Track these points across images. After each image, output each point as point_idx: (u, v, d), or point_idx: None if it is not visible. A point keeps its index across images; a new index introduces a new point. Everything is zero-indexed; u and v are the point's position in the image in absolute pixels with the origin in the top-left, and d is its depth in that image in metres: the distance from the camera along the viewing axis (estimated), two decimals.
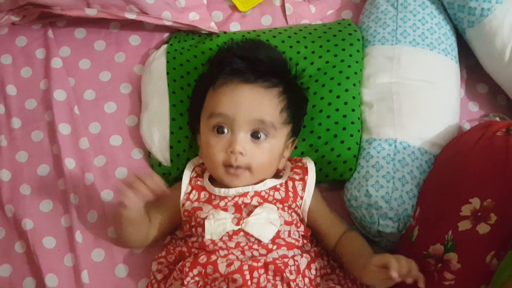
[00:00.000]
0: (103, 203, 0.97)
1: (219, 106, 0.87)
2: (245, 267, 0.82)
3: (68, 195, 0.97)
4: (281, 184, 0.89)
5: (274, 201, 0.88)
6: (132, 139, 1.03)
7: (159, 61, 1.04)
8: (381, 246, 0.96)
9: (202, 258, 0.84)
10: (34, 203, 0.97)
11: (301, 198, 0.89)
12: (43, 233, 0.95)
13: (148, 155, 1.01)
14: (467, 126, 1.04)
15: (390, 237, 0.94)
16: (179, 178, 0.96)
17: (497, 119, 1.00)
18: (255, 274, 0.82)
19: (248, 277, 0.81)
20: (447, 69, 1.02)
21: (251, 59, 0.89)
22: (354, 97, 1.00)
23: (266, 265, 0.83)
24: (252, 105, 0.87)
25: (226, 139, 0.87)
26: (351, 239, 0.90)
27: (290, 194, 0.89)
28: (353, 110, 0.99)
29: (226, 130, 0.87)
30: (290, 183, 0.90)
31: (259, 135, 0.87)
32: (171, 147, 0.98)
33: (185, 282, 0.83)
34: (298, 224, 0.89)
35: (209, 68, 0.95)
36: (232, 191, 0.88)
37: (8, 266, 0.94)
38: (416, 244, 0.87)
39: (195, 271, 0.83)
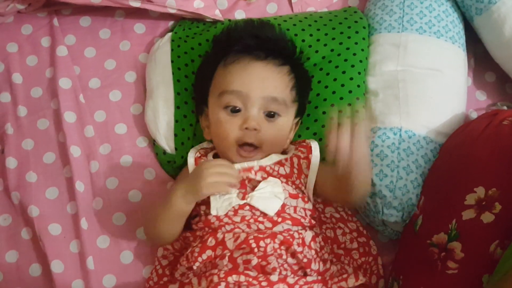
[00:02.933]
0: (108, 190, 0.98)
1: (232, 83, 0.87)
2: (251, 237, 0.82)
3: (73, 183, 0.97)
4: (286, 159, 0.89)
5: (279, 176, 0.88)
6: (137, 127, 1.03)
7: (164, 49, 1.03)
8: (385, 235, 0.96)
9: (211, 241, 0.84)
10: (40, 190, 0.98)
11: (306, 176, 0.89)
12: (49, 220, 0.96)
13: (153, 143, 1.02)
14: (474, 115, 1.03)
15: (394, 227, 0.93)
16: (183, 166, 0.96)
17: (505, 108, 0.99)
18: (262, 243, 0.82)
19: (254, 245, 0.82)
20: (454, 57, 1.01)
21: (260, 36, 0.89)
22: (359, 86, 0.99)
23: (273, 236, 0.83)
24: (266, 82, 0.87)
25: (239, 117, 0.87)
26: None
27: (295, 170, 0.89)
28: (357, 98, 0.98)
29: (240, 109, 0.87)
30: (295, 160, 0.90)
31: (272, 113, 0.88)
32: (175, 135, 0.98)
33: (194, 267, 0.83)
34: (305, 199, 0.89)
35: (215, 46, 0.94)
36: (237, 166, 0.88)
37: (14, 252, 0.95)
38: (420, 233, 0.86)
39: (204, 256, 0.83)
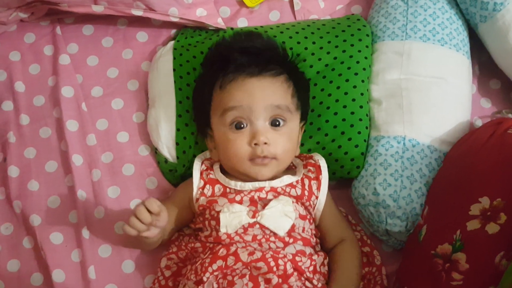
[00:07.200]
0: (110, 199, 0.97)
1: (231, 100, 0.86)
2: (268, 255, 0.81)
3: (75, 191, 0.97)
4: (297, 181, 0.89)
5: (289, 197, 0.87)
6: (139, 135, 1.03)
7: (166, 58, 1.03)
8: (389, 245, 0.95)
9: (222, 251, 0.83)
10: (42, 199, 0.98)
11: (316, 197, 0.89)
12: (50, 229, 0.95)
13: (155, 151, 1.01)
14: (479, 123, 1.02)
15: (398, 236, 0.92)
16: (185, 175, 0.96)
17: (510, 115, 0.98)
18: (280, 262, 0.81)
19: (273, 263, 0.81)
20: (458, 65, 1.00)
21: (251, 51, 0.89)
22: (362, 94, 0.99)
23: (288, 259, 0.83)
24: (265, 92, 0.87)
25: (247, 133, 0.86)
26: (341, 256, 0.89)
27: (306, 192, 0.88)
28: (361, 107, 0.97)
29: (245, 124, 0.86)
30: (306, 181, 0.89)
31: (278, 122, 0.87)
32: (177, 143, 0.98)
33: (205, 279, 0.81)
34: (311, 221, 0.89)
35: (207, 67, 0.94)
36: (248, 185, 0.87)
37: (16, 261, 0.95)
38: (424, 243, 0.85)
39: (215, 266, 0.82)
